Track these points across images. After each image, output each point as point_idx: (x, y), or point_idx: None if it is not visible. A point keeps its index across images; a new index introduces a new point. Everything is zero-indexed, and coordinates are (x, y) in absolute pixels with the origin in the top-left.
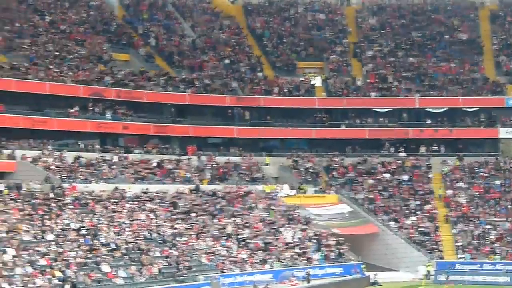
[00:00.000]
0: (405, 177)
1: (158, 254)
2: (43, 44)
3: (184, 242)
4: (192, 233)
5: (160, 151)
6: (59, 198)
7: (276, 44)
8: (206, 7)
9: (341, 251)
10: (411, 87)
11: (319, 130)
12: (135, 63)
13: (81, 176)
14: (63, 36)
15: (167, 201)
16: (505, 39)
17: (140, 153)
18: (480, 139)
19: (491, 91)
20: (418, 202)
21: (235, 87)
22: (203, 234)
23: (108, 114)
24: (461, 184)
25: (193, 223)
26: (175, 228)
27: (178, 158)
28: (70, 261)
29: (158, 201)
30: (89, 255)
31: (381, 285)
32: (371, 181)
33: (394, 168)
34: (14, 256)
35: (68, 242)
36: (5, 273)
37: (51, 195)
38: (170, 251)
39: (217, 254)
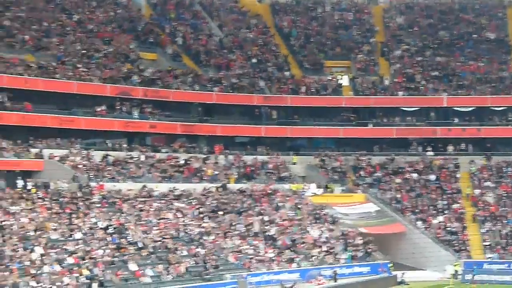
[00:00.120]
0: (433, 177)
1: (185, 253)
2: (70, 43)
3: (211, 241)
4: (219, 232)
5: (187, 150)
6: (87, 197)
7: (303, 43)
8: (234, 6)
9: (368, 250)
10: (439, 86)
11: (346, 129)
12: (163, 62)
13: (109, 175)
14: (91, 35)
15: (194, 200)
16: None
17: (167, 152)
18: (508, 138)
19: None
20: (445, 202)
21: (262, 86)
22: (230, 233)
23: (135, 113)
24: (488, 183)
25: (220, 222)
26: (203, 227)
27: (205, 156)
28: (97, 259)
29: (185, 199)
30: (117, 254)
31: (408, 284)
32: (398, 181)
33: (422, 168)
34: (42, 255)
35: (95, 241)
36: (33, 272)
37: (79, 194)
38: (197, 250)
39: (244, 253)
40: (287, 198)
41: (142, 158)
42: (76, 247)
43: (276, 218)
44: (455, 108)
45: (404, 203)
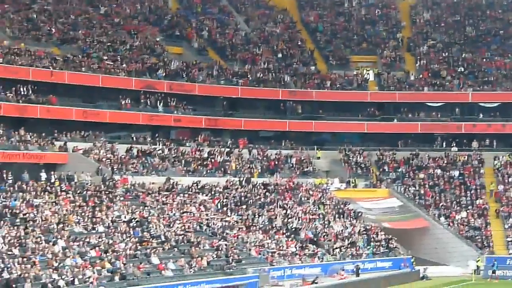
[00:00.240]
0: (457, 172)
1: (207, 246)
2: (97, 36)
3: (234, 234)
4: (242, 225)
5: (211, 143)
6: (110, 190)
7: (330, 38)
8: (260, 1)
9: (391, 245)
10: (465, 82)
11: (371, 124)
12: (188, 56)
13: (132, 168)
14: (117, 28)
15: (217, 194)
16: None
17: (191, 146)
18: None
19: None
20: (469, 198)
21: (288, 80)
22: (253, 227)
23: (160, 107)
24: None
25: (243, 216)
26: (225, 221)
27: (229, 150)
28: (120, 252)
29: (209, 193)
30: (139, 247)
31: (430, 279)
32: (422, 176)
33: (446, 163)
34: (64, 248)
35: (118, 234)
36: (55, 264)
37: (102, 187)
38: (220, 243)
39: (267, 247)
40: (311, 193)
41: (166, 151)
42: (99, 240)
43: (299, 212)
44: (480, 104)
45: (428, 198)
